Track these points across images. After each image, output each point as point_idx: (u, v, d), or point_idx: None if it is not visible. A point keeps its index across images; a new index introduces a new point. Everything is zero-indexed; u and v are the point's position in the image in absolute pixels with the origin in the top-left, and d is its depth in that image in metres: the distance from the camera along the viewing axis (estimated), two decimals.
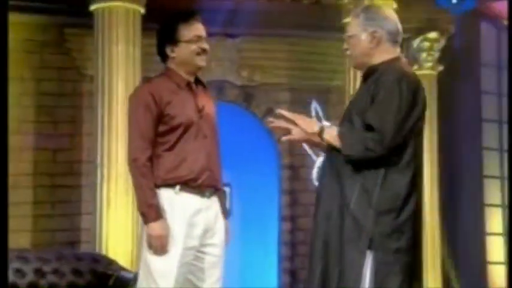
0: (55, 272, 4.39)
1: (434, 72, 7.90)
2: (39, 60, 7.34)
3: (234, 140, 8.26)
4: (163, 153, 3.28)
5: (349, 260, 2.95)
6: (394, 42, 3.16)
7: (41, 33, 7.33)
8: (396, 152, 2.98)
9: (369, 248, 2.94)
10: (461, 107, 7.96)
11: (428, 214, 7.68)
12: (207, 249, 3.33)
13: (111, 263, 4.59)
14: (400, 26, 3.18)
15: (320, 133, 3.04)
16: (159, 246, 3.19)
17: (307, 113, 7.47)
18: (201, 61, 3.37)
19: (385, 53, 3.11)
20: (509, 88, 5.06)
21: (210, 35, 7.60)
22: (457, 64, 7.90)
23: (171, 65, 3.38)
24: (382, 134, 2.93)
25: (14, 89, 7.24)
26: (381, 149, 2.93)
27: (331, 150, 3.10)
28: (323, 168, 3.17)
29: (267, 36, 7.66)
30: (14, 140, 7.19)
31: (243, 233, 8.54)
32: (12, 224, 7.16)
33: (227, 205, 3.56)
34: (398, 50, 3.17)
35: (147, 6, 6.40)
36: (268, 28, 7.50)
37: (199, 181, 3.28)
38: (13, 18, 7.09)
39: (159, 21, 3.47)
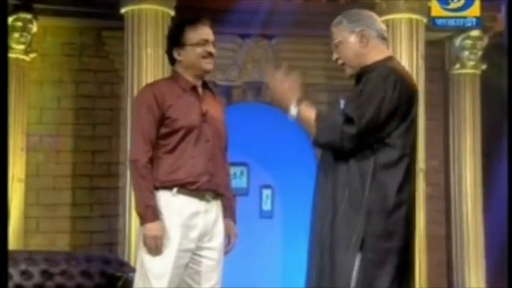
0: (63, 273, 4.40)
1: (477, 72, 7.72)
2: (77, 63, 7.46)
3: (273, 142, 8.25)
4: (163, 156, 3.29)
5: (340, 261, 2.93)
6: (383, 39, 3.12)
7: (79, 37, 7.45)
8: (382, 152, 2.96)
9: (360, 248, 2.91)
10: (505, 107, 7.69)
11: (471, 216, 7.57)
12: (204, 253, 3.34)
13: (122, 264, 4.59)
14: (383, 25, 3.17)
15: (298, 102, 3.04)
16: (154, 247, 3.20)
17: None
18: (207, 64, 3.38)
19: (377, 52, 3.08)
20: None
21: (246, 36, 7.73)
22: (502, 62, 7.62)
23: (178, 68, 3.42)
24: (358, 128, 2.90)
25: (53, 92, 7.42)
26: (351, 144, 2.93)
27: (325, 151, 3.08)
28: (317, 169, 3.12)
29: (304, 37, 7.57)
30: (54, 142, 7.34)
31: (285, 235, 8.51)
32: (51, 225, 7.39)
33: (236, 210, 3.55)
34: (388, 49, 3.16)
35: (177, 9, 6.41)
36: (305, 28, 7.41)
37: (198, 184, 3.29)
38: (51, 22, 7.32)
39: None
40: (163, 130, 3.28)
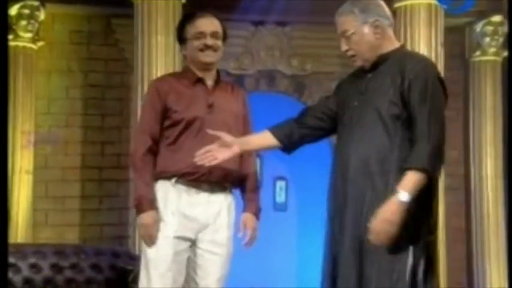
0: (73, 267, 4.33)
1: (498, 58, 7.50)
2: (86, 51, 7.30)
3: None
4: (166, 147, 3.34)
5: (390, 257, 2.85)
6: (392, 27, 3.06)
7: (88, 24, 7.29)
8: None
9: (411, 242, 2.86)
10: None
11: (492, 208, 7.40)
12: (205, 246, 3.33)
13: (132, 257, 4.51)
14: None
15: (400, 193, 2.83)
16: (147, 236, 3.25)
17: None
18: (204, 57, 3.39)
19: (392, 41, 3.02)
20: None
21: (259, 23, 7.55)
22: None
23: (187, 62, 3.51)
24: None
25: (61, 82, 7.28)
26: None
27: (344, 146, 2.99)
28: (342, 165, 2.99)
29: (318, 24, 7.36)
30: (62, 133, 7.20)
31: (299, 228, 8.35)
32: (60, 218, 7.25)
33: (257, 203, 3.49)
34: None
35: None
36: (319, 15, 7.20)
37: (197, 175, 3.28)
38: (59, 9, 7.15)
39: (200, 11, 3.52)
40: (166, 122, 3.34)
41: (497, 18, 7.35)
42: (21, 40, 6.88)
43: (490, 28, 7.39)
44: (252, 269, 7.65)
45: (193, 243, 3.30)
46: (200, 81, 3.40)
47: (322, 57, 7.55)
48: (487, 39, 7.42)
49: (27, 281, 4.31)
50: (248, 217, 3.44)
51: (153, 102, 3.36)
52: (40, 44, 7.05)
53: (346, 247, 2.92)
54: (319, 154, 7.87)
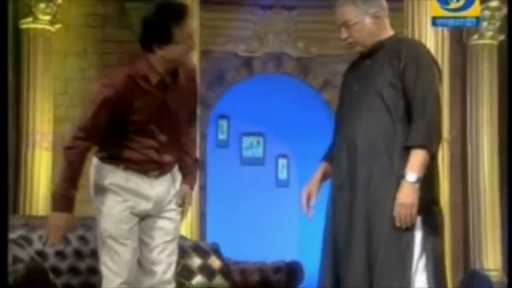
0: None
1: (495, 42, 7.75)
2: (101, 34, 7.49)
3: (291, 112, 8.33)
4: (117, 140, 3.21)
5: (399, 227, 3.02)
6: (388, 17, 3.25)
7: (102, 8, 7.48)
8: None
9: (419, 213, 3.01)
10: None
11: (488, 186, 7.67)
12: (156, 218, 3.31)
13: None
14: None
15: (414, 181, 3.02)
16: (53, 235, 3.19)
17: None
18: (189, 59, 3.34)
19: (389, 29, 3.22)
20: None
21: (266, 7, 7.73)
22: None
23: (152, 58, 3.15)
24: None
25: (77, 63, 7.45)
26: None
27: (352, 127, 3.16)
28: (349, 146, 3.17)
29: (323, 9, 7.58)
30: (79, 113, 7.35)
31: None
32: (79, 193, 7.30)
33: (196, 175, 3.49)
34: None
35: None
36: (324, 0, 7.42)
37: (146, 169, 3.27)
38: None
39: None
40: (118, 118, 3.16)
41: (494, 3, 7.58)
42: (40, 23, 7.07)
43: (487, 13, 7.57)
44: (253, 244, 7.86)
45: (143, 218, 3.26)
46: (162, 81, 3.20)
47: (326, 40, 7.74)
48: (485, 23, 7.59)
49: (77, 252, 4.58)
50: (187, 190, 3.37)
51: (108, 102, 3.10)
52: (57, 26, 7.23)
53: (356, 223, 3.07)
54: (320, 132, 8.13)
